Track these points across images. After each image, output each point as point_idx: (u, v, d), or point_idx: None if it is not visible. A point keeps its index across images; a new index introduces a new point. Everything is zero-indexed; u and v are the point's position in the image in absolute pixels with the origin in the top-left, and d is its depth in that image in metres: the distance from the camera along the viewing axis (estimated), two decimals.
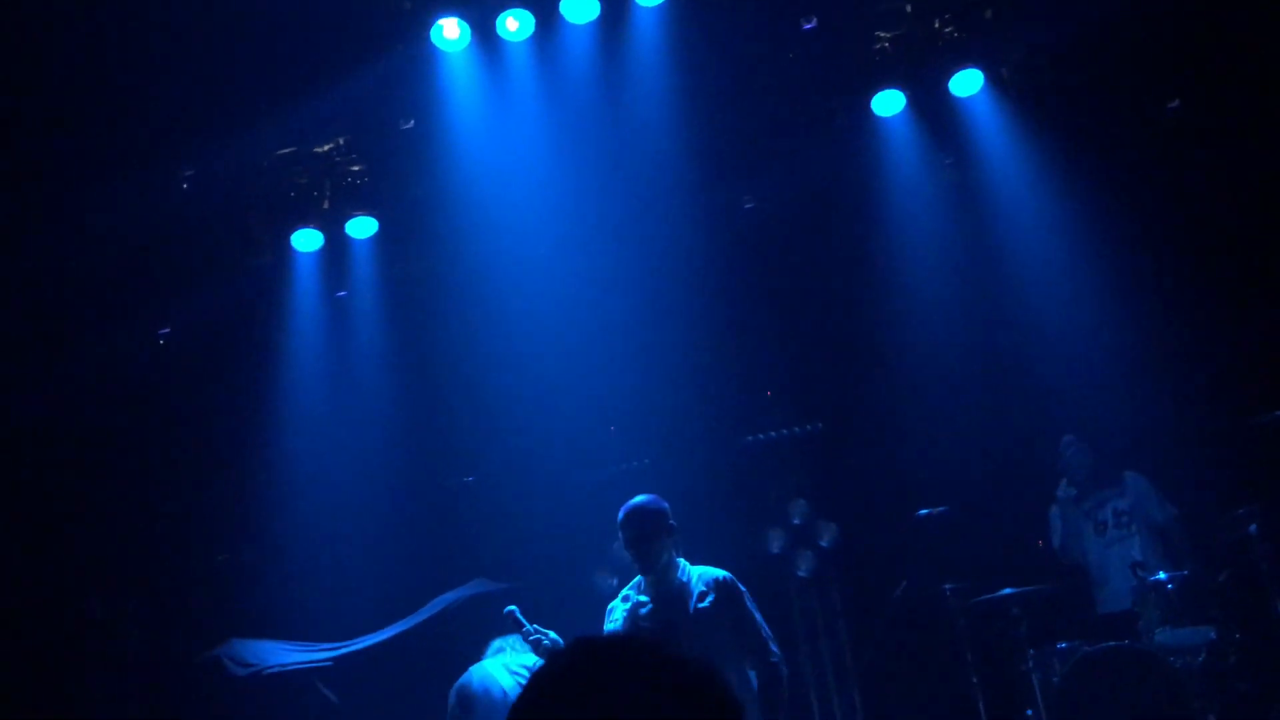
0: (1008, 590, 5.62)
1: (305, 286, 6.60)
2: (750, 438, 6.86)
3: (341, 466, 6.32)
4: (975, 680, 5.64)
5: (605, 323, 6.66)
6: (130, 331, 6.49)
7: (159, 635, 6.25)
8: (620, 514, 4.31)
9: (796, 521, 6.57)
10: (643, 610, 4.19)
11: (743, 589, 4.22)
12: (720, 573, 4.25)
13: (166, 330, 6.57)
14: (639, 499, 4.36)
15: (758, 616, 4.17)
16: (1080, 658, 5.25)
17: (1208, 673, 5.22)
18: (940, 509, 5.86)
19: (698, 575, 4.24)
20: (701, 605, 4.10)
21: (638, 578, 4.32)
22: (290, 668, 5.02)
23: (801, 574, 6.48)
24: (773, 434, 6.87)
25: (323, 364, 6.72)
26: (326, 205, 6.39)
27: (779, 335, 7.00)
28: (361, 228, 6.47)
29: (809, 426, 6.86)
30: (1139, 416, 6.32)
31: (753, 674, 4.11)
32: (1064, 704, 5.16)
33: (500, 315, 6.63)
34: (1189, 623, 5.29)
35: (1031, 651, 5.49)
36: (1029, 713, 5.52)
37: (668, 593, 4.19)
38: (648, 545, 4.19)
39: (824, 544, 6.48)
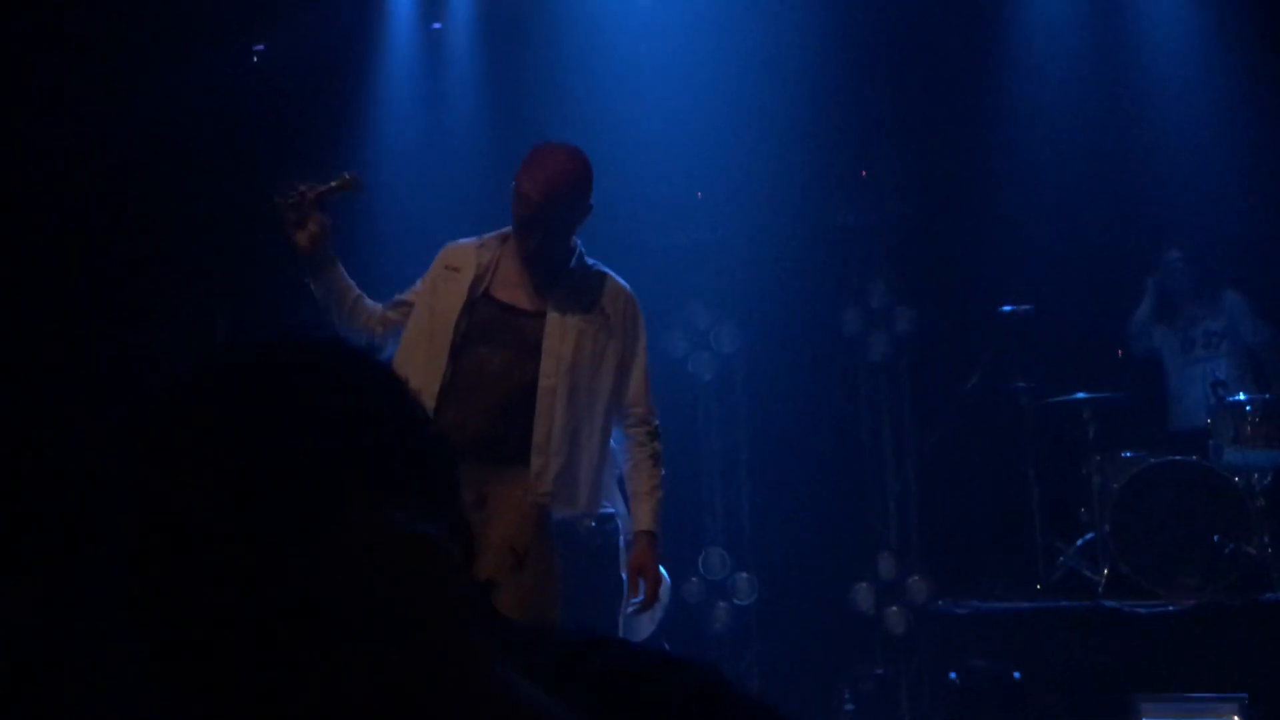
0: (1081, 394, 5.60)
1: (402, 12, 6.46)
2: (839, 217, 6.72)
3: (426, 206, 6.32)
4: (1033, 477, 5.69)
5: (706, 85, 6.46)
6: (225, 47, 6.42)
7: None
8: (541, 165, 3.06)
9: (874, 305, 6.51)
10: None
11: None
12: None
13: (261, 47, 6.48)
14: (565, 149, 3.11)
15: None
16: (1144, 468, 5.25)
17: (1270, 494, 5.23)
18: (1024, 307, 5.77)
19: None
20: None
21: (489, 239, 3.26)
22: None
23: (874, 358, 6.46)
24: (861, 216, 6.72)
25: (414, 100, 6.64)
26: None
27: (882, 117, 6.74)
28: None
29: (900, 211, 6.68)
30: (1248, 230, 6.08)
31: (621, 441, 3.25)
32: (1120, 510, 5.20)
33: (593, 65, 6.44)
34: (1261, 446, 5.25)
35: (1096, 458, 5.50)
36: (1082, 510, 5.58)
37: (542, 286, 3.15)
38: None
39: (899, 330, 6.42)
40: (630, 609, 3.12)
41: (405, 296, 3.29)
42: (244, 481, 0.77)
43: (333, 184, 3.20)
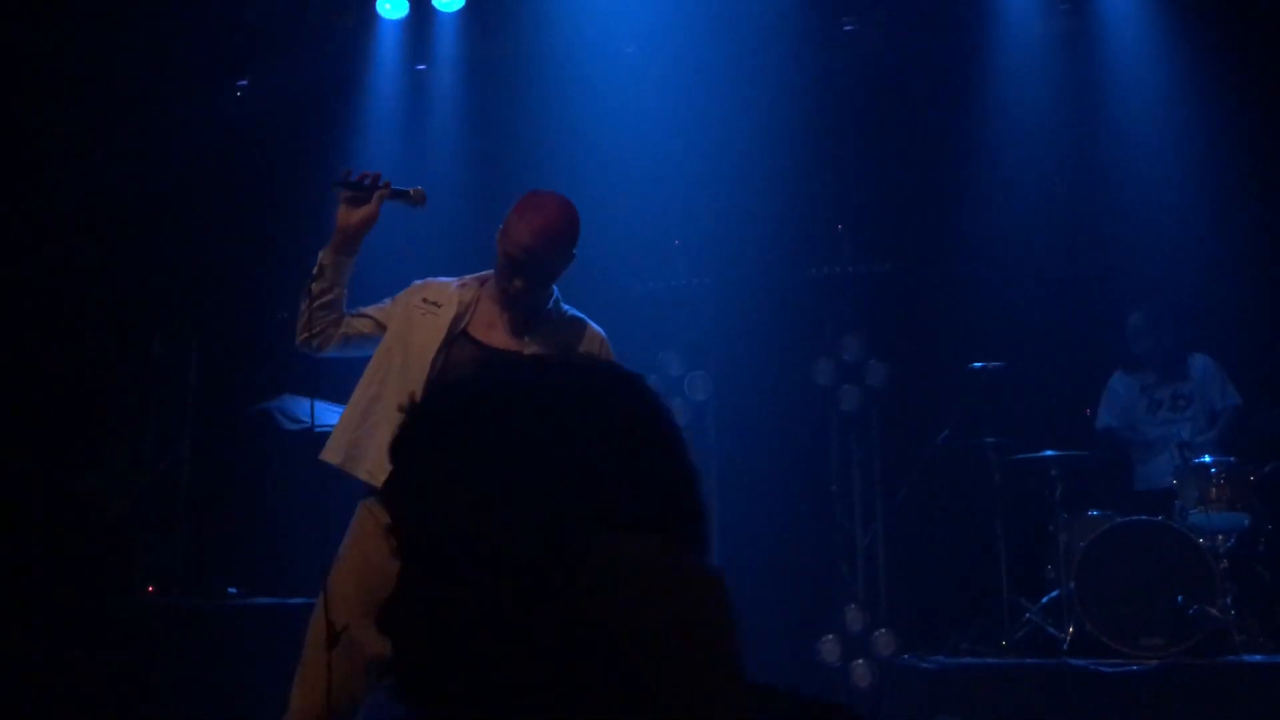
0: (1049, 452, 5.64)
1: (387, 54, 6.50)
2: (814, 270, 6.78)
3: (404, 244, 6.34)
4: (1000, 533, 5.72)
5: (683, 133, 6.53)
6: (210, 83, 6.45)
7: (215, 383, 6.44)
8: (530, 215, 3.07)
9: (847, 358, 6.55)
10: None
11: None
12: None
13: (244, 82, 6.52)
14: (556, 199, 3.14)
15: None
16: (1110, 527, 5.29)
17: (1233, 556, 5.28)
18: (995, 364, 5.82)
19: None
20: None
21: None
22: None
23: (846, 409, 6.50)
24: (837, 269, 6.78)
25: (397, 137, 6.67)
26: None
27: (859, 170, 6.83)
28: (449, 0, 6.33)
29: (874, 266, 6.75)
30: (1218, 293, 6.18)
31: None
32: (1086, 568, 5.22)
33: (577, 110, 6.50)
34: (1225, 508, 5.30)
35: (1063, 516, 5.53)
36: (1048, 568, 5.61)
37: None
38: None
39: (872, 383, 6.47)
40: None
41: (369, 311, 3.27)
42: (533, 500, 0.76)
43: (409, 191, 3.23)
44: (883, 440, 6.55)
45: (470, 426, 0.79)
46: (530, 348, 3.08)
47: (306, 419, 5.85)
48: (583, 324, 3.22)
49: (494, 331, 3.12)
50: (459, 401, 0.82)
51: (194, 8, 6.02)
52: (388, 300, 3.27)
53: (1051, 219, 6.51)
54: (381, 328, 3.23)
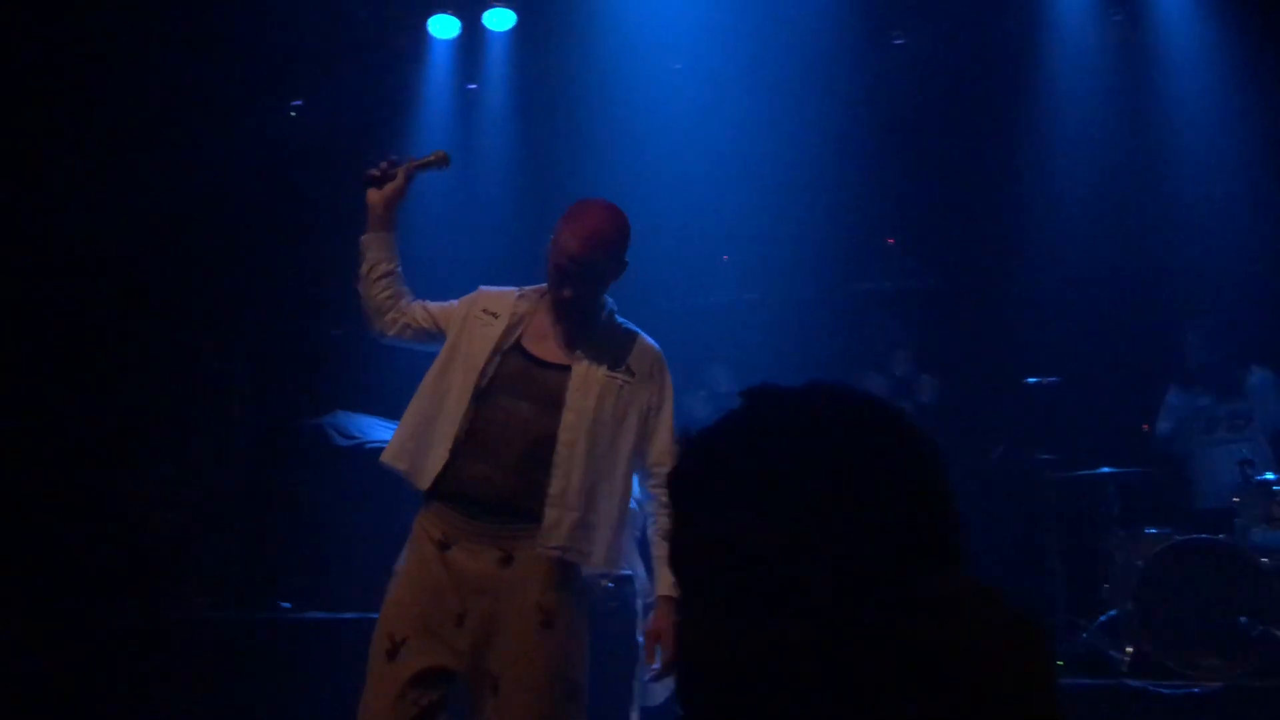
0: (1106, 469, 5.55)
1: (439, 73, 6.58)
2: (864, 284, 6.74)
3: (458, 262, 6.39)
4: (1055, 551, 5.63)
5: (732, 148, 6.53)
6: (266, 103, 6.56)
7: (267, 396, 6.52)
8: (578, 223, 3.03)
9: (898, 373, 6.50)
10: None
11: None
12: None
13: (299, 103, 6.62)
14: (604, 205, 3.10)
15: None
16: (1168, 545, 5.18)
17: None
18: (1050, 379, 5.74)
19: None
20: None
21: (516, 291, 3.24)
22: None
23: None
24: (887, 283, 6.74)
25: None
26: None
27: (910, 183, 6.79)
28: (500, 20, 6.40)
29: (925, 280, 6.70)
30: (1277, 305, 6.06)
31: (644, 500, 3.16)
32: (1144, 587, 5.12)
33: (626, 126, 6.53)
34: None
35: (1120, 532, 5.44)
36: (1105, 586, 5.51)
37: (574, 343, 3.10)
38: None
39: (923, 399, 6.41)
40: (648, 676, 3.08)
41: (431, 307, 3.28)
42: (834, 532, 0.76)
43: (428, 158, 3.28)
44: None
45: (754, 460, 0.79)
46: (581, 361, 3.07)
47: (359, 435, 5.90)
48: (637, 338, 3.18)
49: (546, 344, 3.11)
50: (736, 437, 0.81)
51: (251, 30, 6.12)
52: (453, 302, 3.28)
53: (1106, 230, 6.42)
54: (439, 327, 3.24)
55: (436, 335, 3.23)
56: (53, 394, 5.86)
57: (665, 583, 3.01)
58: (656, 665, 2.99)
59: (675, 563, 0.81)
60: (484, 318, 3.15)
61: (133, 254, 6.07)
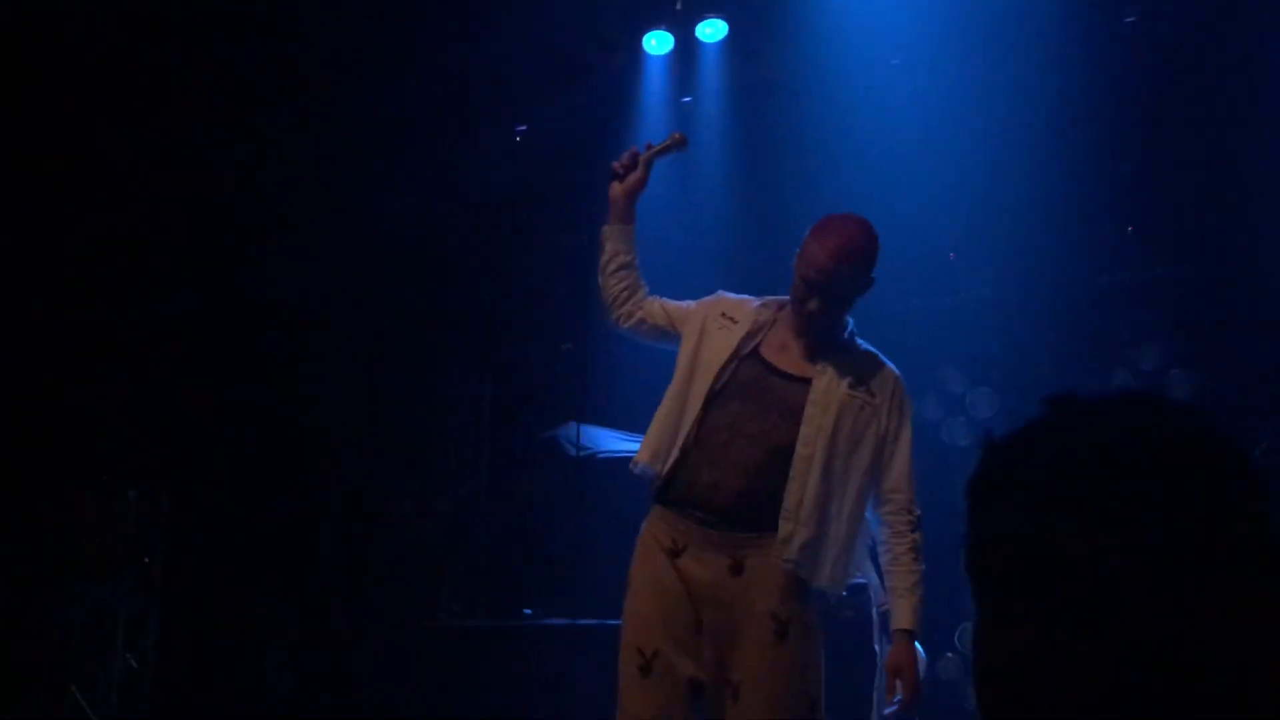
0: None
1: (654, 89, 6.68)
2: (1105, 276, 6.40)
3: (680, 274, 6.47)
4: None
5: (956, 142, 6.33)
6: (491, 130, 6.85)
7: (507, 413, 6.79)
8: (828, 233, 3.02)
9: (1145, 367, 6.14)
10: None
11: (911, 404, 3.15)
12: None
13: (524, 128, 6.87)
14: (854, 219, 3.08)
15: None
16: None
17: None
18: None
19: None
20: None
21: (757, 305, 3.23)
22: (621, 454, 5.31)
23: None
24: (1129, 274, 6.37)
25: (667, 168, 6.81)
26: (679, 6, 6.39)
27: (1150, 167, 6.40)
28: (712, 31, 6.45)
29: (1170, 269, 6.30)
30: None
31: (877, 526, 3.12)
32: None
33: (843, 127, 6.43)
34: None
35: None
36: None
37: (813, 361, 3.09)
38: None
39: (1176, 394, 6.03)
40: (889, 711, 3.02)
41: (668, 305, 3.32)
42: (1140, 539, 0.75)
43: (665, 143, 3.38)
44: None
45: (1067, 471, 0.78)
46: (822, 376, 3.04)
47: (590, 446, 6.06)
48: (877, 359, 3.15)
49: (785, 355, 3.10)
50: (1042, 445, 0.81)
51: (476, 59, 6.40)
52: (690, 303, 3.31)
53: None
54: (674, 326, 3.27)
55: (671, 334, 3.27)
56: (317, 411, 6.28)
57: (904, 616, 2.94)
58: (899, 699, 2.93)
59: (974, 575, 0.79)
60: (723, 322, 3.17)
61: (379, 280, 6.43)
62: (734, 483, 2.96)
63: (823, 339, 3.09)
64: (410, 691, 5.55)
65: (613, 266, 3.32)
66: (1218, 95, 6.19)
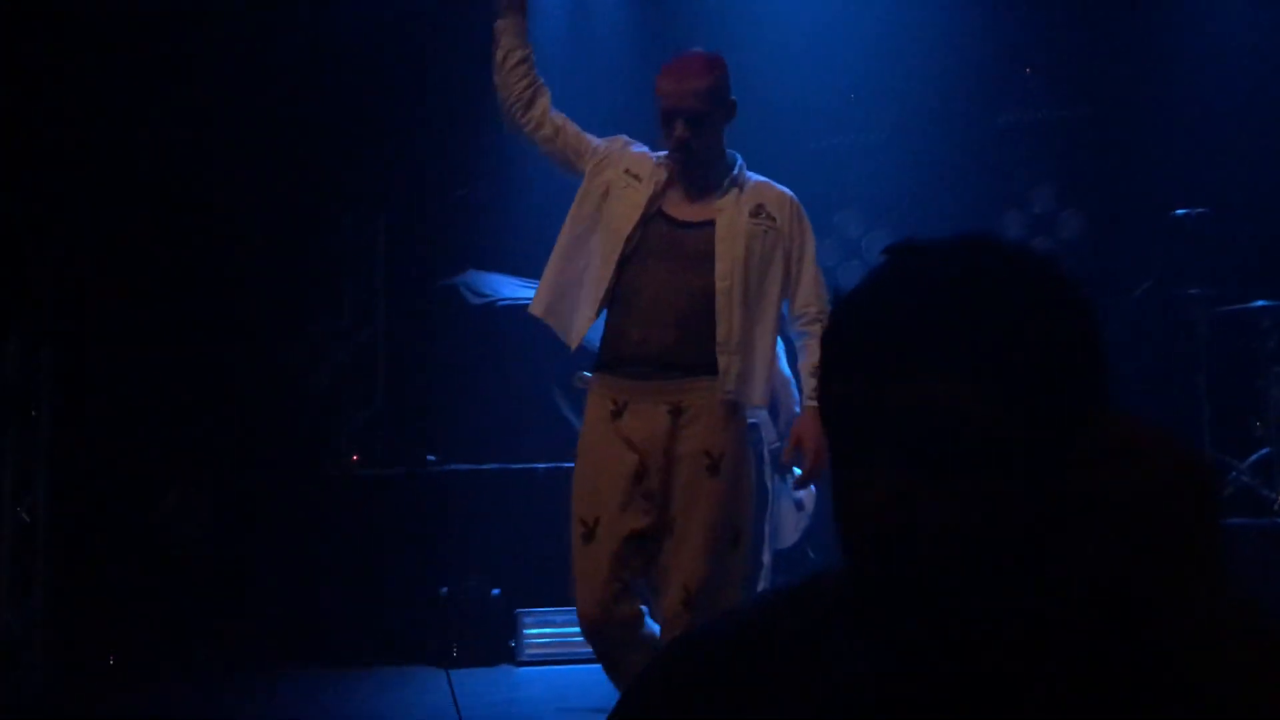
0: (1261, 302, 5.30)
1: None
2: (1001, 117, 6.44)
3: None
4: (1204, 387, 5.44)
5: None
6: None
7: (401, 261, 6.66)
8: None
9: (1037, 209, 6.26)
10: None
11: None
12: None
13: None
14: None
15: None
16: None
17: None
18: (1200, 210, 5.45)
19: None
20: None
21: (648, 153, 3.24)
22: (521, 302, 5.29)
23: None
24: (1026, 115, 6.43)
25: (559, 14, 6.60)
26: None
27: (1048, 9, 6.40)
28: None
29: (1066, 110, 6.37)
30: None
31: (798, 340, 3.24)
32: None
33: None
34: None
35: (1276, 369, 5.22)
36: (1257, 424, 5.33)
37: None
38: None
39: (1065, 235, 6.17)
40: (790, 480, 3.18)
41: (582, 134, 3.24)
42: (1009, 381, 0.76)
43: None
44: None
45: (907, 318, 0.77)
46: (722, 213, 3.10)
47: (491, 293, 6.01)
48: (771, 185, 3.21)
49: (685, 206, 3.14)
50: (885, 295, 0.80)
51: None
52: (600, 141, 3.25)
53: (1261, 43, 5.96)
54: (580, 157, 3.21)
55: (574, 166, 3.23)
56: (208, 257, 6.09)
57: (810, 393, 3.12)
58: (797, 472, 3.08)
59: (831, 428, 0.80)
60: (626, 179, 3.16)
61: (270, 125, 6.18)
62: (663, 333, 3.06)
63: (714, 179, 3.14)
64: (312, 540, 5.58)
65: (511, 62, 3.20)
66: None
